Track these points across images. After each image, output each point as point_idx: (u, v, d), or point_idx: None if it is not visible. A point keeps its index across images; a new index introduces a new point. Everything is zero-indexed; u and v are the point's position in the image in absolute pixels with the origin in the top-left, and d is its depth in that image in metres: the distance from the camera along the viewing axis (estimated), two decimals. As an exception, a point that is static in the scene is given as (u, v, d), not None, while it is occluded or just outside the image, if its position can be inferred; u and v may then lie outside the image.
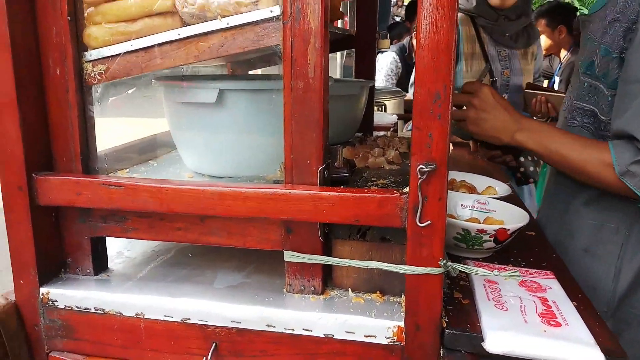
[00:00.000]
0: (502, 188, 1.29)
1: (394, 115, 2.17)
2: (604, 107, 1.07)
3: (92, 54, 0.84)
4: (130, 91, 0.89)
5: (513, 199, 1.25)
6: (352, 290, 0.85)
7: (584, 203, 1.15)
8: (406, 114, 2.41)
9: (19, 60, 0.80)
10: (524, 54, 2.24)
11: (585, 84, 1.12)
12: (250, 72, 1.58)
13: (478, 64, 2.17)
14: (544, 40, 3.56)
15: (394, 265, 0.77)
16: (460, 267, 0.76)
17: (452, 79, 0.69)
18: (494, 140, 1.12)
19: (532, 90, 2.20)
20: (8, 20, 0.77)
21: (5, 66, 0.79)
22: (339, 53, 4.61)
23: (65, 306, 0.87)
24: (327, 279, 0.86)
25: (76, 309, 0.87)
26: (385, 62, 3.91)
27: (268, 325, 0.81)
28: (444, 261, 0.74)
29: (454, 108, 1.14)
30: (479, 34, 2.17)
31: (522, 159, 1.75)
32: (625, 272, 1.09)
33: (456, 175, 1.37)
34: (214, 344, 0.83)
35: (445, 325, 0.76)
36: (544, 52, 3.47)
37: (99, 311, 0.86)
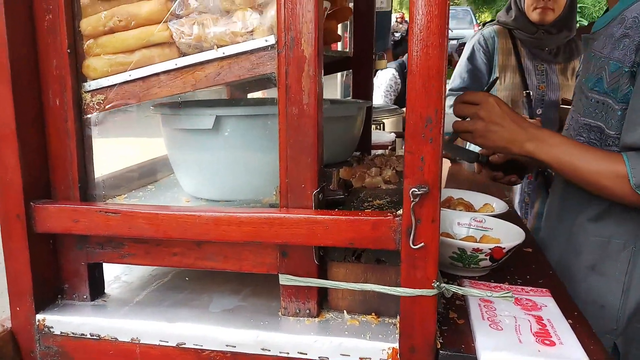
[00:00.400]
0: (499, 205, 1.30)
1: (392, 134, 2.18)
2: (613, 121, 1.07)
3: (91, 85, 0.86)
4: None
5: (510, 215, 1.25)
6: (348, 312, 0.85)
7: (589, 219, 1.15)
8: (404, 132, 2.43)
9: (19, 92, 0.82)
10: (564, 69, 2.19)
11: (592, 100, 1.12)
12: (249, 95, 1.61)
13: (512, 76, 2.14)
14: None
15: (389, 287, 0.78)
16: (454, 288, 0.76)
17: (443, 103, 0.70)
18: (502, 151, 1.09)
19: (567, 106, 2.12)
20: (9, 53, 0.79)
21: (6, 98, 0.81)
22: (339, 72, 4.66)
23: (61, 332, 0.87)
24: (323, 301, 0.87)
25: (72, 335, 0.87)
26: (385, 79, 3.95)
27: (263, 349, 0.81)
28: (438, 282, 0.74)
29: (458, 119, 1.13)
30: (516, 47, 2.15)
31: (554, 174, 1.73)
32: (634, 288, 1.08)
33: (454, 193, 1.38)
34: (210, 368, 0.83)
35: (439, 346, 0.76)
36: None
37: (95, 337, 0.86)
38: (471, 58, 2.19)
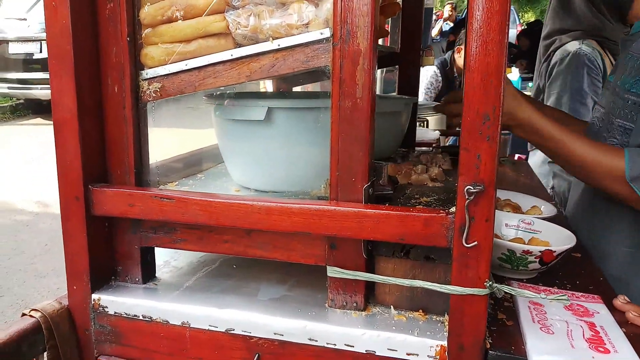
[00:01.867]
0: (547, 208, 1.27)
1: (437, 131, 2.15)
2: None
3: (148, 73, 0.88)
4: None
5: (559, 219, 1.22)
6: (395, 308, 0.85)
7: (616, 229, 1.12)
8: (448, 130, 2.40)
9: (81, 78, 0.84)
10: None
11: (629, 102, 1.10)
12: (295, 88, 1.61)
13: None
14: None
15: (439, 285, 0.77)
16: (506, 288, 0.75)
17: (501, 101, 0.69)
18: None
19: None
20: (72, 40, 0.82)
21: (69, 83, 0.84)
22: (379, 67, 4.62)
23: (115, 312, 0.90)
24: (369, 295, 0.87)
25: (125, 315, 0.90)
26: (426, 76, 3.90)
27: (310, 339, 0.82)
28: (490, 282, 0.73)
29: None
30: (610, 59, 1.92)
31: None
32: None
33: (500, 194, 1.35)
34: (257, 355, 0.84)
35: (489, 346, 0.75)
36: None
37: (147, 319, 0.89)
38: (590, 84, 1.91)
